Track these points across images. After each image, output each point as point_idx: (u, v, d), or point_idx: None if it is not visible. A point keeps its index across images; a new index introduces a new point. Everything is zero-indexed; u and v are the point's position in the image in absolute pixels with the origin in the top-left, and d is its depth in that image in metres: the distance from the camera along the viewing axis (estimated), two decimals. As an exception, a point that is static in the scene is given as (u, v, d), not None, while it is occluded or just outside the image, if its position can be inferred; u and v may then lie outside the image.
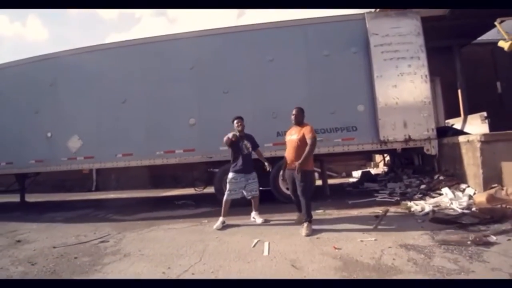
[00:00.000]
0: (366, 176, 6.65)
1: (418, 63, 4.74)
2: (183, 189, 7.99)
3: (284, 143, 3.69)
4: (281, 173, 3.55)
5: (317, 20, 5.08)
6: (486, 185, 3.87)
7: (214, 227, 3.60)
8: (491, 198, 3.54)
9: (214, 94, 5.09)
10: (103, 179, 9.61)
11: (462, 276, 2.00)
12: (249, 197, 3.78)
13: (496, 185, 3.77)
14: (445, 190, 4.18)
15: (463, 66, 7.21)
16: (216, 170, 5.09)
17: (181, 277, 2.28)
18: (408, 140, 4.73)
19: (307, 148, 3.20)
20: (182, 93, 5.16)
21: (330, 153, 4.94)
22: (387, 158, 7.33)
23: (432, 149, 4.74)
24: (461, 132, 5.35)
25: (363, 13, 5.02)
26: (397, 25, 4.83)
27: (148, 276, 2.35)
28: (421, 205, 3.84)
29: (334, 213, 4.02)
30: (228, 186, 3.72)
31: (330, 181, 6.08)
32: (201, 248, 2.91)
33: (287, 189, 3.85)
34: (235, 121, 3.76)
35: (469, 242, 2.54)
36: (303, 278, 2.14)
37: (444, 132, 5.35)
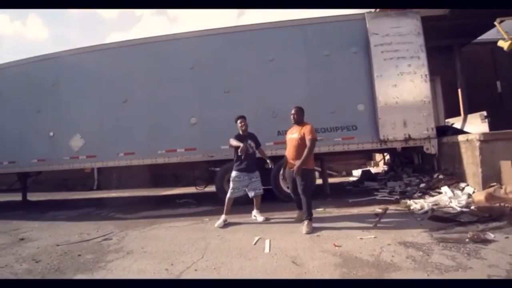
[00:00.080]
0: (366, 175, 6.68)
1: (418, 62, 4.77)
2: (184, 188, 8.05)
3: (284, 142, 3.73)
4: (281, 172, 3.58)
5: (317, 20, 5.11)
6: (485, 184, 3.90)
7: (216, 225, 3.65)
8: (490, 197, 3.57)
9: (215, 93, 5.13)
10: (104, 178, 9.65)
11: (460, 273, 2.03)
12: (253, 196, 3.81)
13: (495, 183, 3.80)
14: (445, 189, 4.21)
15: (463, 66, 7.23)
16: (217, 169, 5.13)
17: (184, 273, 2.32)
18: (408, 139, 4.76)
19: (306, 150, 3.23)
20: (183, 93, 5.19)
21: (331, 152, 4.98)
22: (387, 157, 7.36)
23: (431, 148, 4.77)
24: (461, 131, 5.37)
25: (363, 13, 5.04)
26: (397, 25, 4.85)
27: (152, 272, 2.39)
28: (421, 204, 3.88)
29: (334, 212, 4.06)
30: (231, 184, 3.76)
31: (331, 180, 6.12)
32: (203, 245, 2.95)
33: (288, 187, 3.89)
34: (239, 121, 3.79)
35: (467, 240, 2.57)
36: (304, 273, 2.18)
37: (444, 131, 5.38)
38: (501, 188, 3.67)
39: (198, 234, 3.40)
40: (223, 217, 3.72)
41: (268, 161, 3.87)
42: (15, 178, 6.78)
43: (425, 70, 4.76)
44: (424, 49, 4.77)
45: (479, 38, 7.27)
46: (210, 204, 5.17)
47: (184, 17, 39.05)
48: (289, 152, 3.47)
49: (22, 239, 3.70)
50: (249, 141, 3.79)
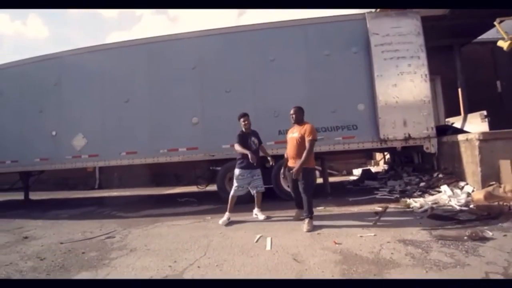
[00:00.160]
0: (366, 174, 6.72)
1: (418, 62, 4.80)
2: (185, 187, 8.09)
3: (285, 142, 3.76)
4: (282, 170, 3.62)
5: (318, 20, 5.15)
6: (484, 183, 3.93)
7: (220, 222, 3.70)
8: (488, 196, 3.60)
9: (216, 93, 5.17)
10: (106, 177, 9.70)
11: (458, 269, 2.07)
12: (254, 192, 3.86)
13: (494, 182, 3.83)
14: (444, 188, 4.24)
15: (463, 65, 7.26)
16: (218, 168, 5.17)
17: (187, 270, 2.36)
18: (408, 138, 4.80)
19: (305, 151, 3.26)
20: (184, 92, 5.23)
21: (331, 151, 5.02)
22: (387, 156, 7.39)
23: (431, 147, 4.80)
24: (460, 131, 5.40)
25: (364, 13, 5.07)
26: (397, 24, 4.88)
27: (156, 269, 2.43)
28: (420, 202, 3.91)
29: (335, 210, 4.11)
30: (235, 182, 3.80)
31: (331, 179, 6.16)
32: (205, 243, 3.00)
33: (288, 186, 3.94)
34: (242, 119, 3.82)
35: (465, 237, 2.61)
36: (305, 270, 2.22)
37: (444, 130, 5.41)
38: (500, 187, 3.70)
39: (200, 232, 3.44)
40: (227, 214, 3.77)
41: (269, 158, 3.92)
42: (17, 177, 6.83)
43: (425, 70, 4.79)
44: (424, 49, 4.80)
45: (479, 37, 7.30)
46: (211, 203, 5.22)
47: (184, 16, 39.07)
48: (289, 151, 3.51)
49: (26, 237, 3.74)
50: (253, 138, 3.84)
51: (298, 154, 3.34)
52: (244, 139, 3.76)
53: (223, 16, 33.53)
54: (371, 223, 3.28)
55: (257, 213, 3.92)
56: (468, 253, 2.33)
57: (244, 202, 4.05)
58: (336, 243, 2.72)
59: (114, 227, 3.97)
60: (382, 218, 3.45)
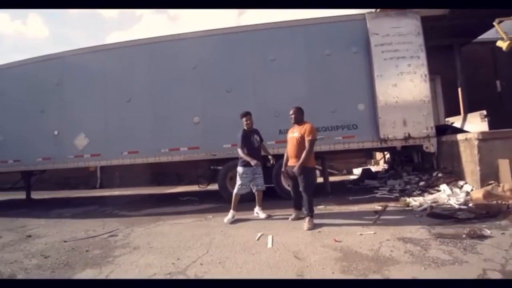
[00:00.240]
0: (366, 174, 6.75)
1: (418, 62, 4.83)
2: (186, 186, 8.13)
3: (286, 141, 3.79)
4: (283, 169, 3.66)
5: (318, 20, 5.18)
6: (483, 182, 3.96)
7: (225, 220, 3.74)
8: (487, 194, 3.64)
9: (217, 93, 5.20)
10: (107, 176, 9.74)
11: (456, 267, 2.11)
12: (255, 190, 3.91)
13: (492, 181, 3.87)
14: (443, 187, 4.28)
15: (463, 65, 7.29)
16: (219, 167, 5.20)
17: (190, 267, 2.40)
18: (407, 138, 4.83)
19: (305, 151, 3.30)
20: (186, 92, 5.27)
21: (331, 150, 5.05)
22: (387, 155, 7.43)
23: (431, 147, 4.84)
24: (460, 130, 5.44)
25: (364, 13, 5.10)
26: (397, 25, 4.91)
27: (159, 266, 2.47)
28: (420, 201, 3.95)
29: (335, 209, 4.14)
30: (239, 180, 3.83)
31: (331, 179, 6.19)
32: (208, 241, 3.04)
33: (289, 185, 3.97)
34: (244, 118, 3.85)
35: (464, 235, 2.65)
36: (306, 267, 2.26)
37: (443, 130, 5.44)
38: (499, 186, 3.74)
39: (202, 230, 3.49)
40: (231, 212, 3.81)
41: (270, 157, 3.97)
42: (18, 177, 6.86)
43: (424, 70, 4.82)
44: (423, 49, 4.83)
45: (479, 37, 7.32)
46: (212, 201, 5.26)
47: (184, 16, 39.07)
48: (290, 150, 3.55)
49: (30, 236, 3.78)
50: (255, 135, 3.89)
51: (298, 154, 3.38)
52: (247, 136, 3.81)
53: (223, 16, 33.55)
54: (371, 222, 3.32)
55: (258, 212, 3.96)
56: (466, 250, 2.37)
57: (246, 201, 4.09)
58: (336, 241, 2.76)
59: (117, 225, 4.01)
60: (381, 217, 3.50)
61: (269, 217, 3.86)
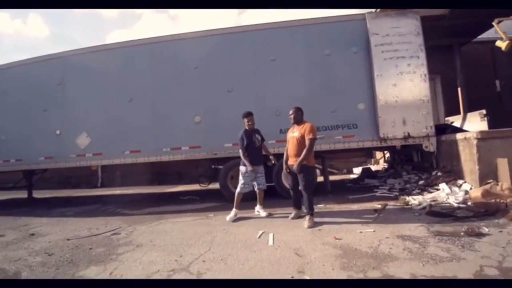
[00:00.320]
0: (366, 173, 6.79)
1: (418, 62, 4.86)
2: (187, 185, 8.18)
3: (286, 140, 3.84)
4: (284, 166, 3.69)
5: (318, 20, 5.20)
6: (482, 181, 4.00)
7: (228, 218, 3.79)
8: (486, 193, 3.68)
9: (219, 92, 5.23)
10: (108, 175, 9.78)
11: (454, 263, 2.15)
12: (256, 189, 3.95)
13: (491, 180, 3.91)
14: (443, 186, 4.32)
15: (463, 64, 7.32)
16: (220, 167, 5.24)
17: (192, 264, 2.45)
18: (407, 137, 4.86)
19: (305, 151, 3.35)
20: (187, 92, 5.30)
21: (332, 150, 5.08)
22: (387, 155, 7.46)
23: (430, 146, 4.87)
24: (459, 130, 5.47)
25: (364, 13, 5.13)
26: (397, 25, 4.93)
27: (162, 263, 2.51)
28: (419, 200, 3.99)
29: (335, 207, 4.19)
30: (242, 180, 3.87)
31: (332, 178, 6.22)
32: (209, 239, 3.08)
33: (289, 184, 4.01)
34: (246, 119, 3.89)
35: (462, 233, 2.69)
36: (306, 264, 2.30)
37: (443, 129, 5.47)
38: (497, 184, 3.78)
39: (204, 228, 3.53)
40: (234, 210, 3.86)
41: (271, 157, 4.01)
42: (20, 176, 6.90)
43: (424, 70, 4.85)
44: (423, 49, 4.86)
45: (479, 37, 7.34)
46: (213, 200, 5.30)
47: (184, 15, 39.04)
48: (290, 150, 3.59)
49: (33, 234, 3.82)
50: (256, 135, 3.93)
51: (298, 153, 3.42)
52: (248, 136, 3.85)
53: (223, 15, 33.53)
54: (370, 220, 3.36)
55: (259, 210, 4.01)
56: (464, 248, 2.41)
57: (246, 200, 4.13)
58: (336, 239, 2.80)
59: (119, 224, 4.05)
60: (381, 215, 3.54)
61: (270, 215, 3.91)
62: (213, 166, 5.49)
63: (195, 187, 6.62)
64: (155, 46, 5.51)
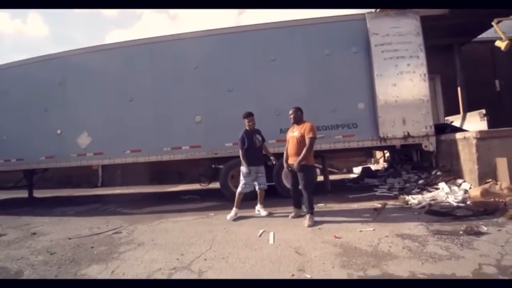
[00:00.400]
0: (366, 172, 6.81)
1: (417, 62, 4.88)
2: (188, 184, 8.20)
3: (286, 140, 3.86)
4: (285, 165, 3.72)
5: (318, 20, 5.22)
6: (481, 180, 4.02)
7: (228, 217, 3.81)
8: (485, 192, 3.70)
9: (219, 92, 5.25)
10: (109, 175, 9.80)
11: (452, 261, 2.17)
12: (257, 188, 3.97)
13: (490, 180, 3.93)
14: (442, 185, 4.34)
15: (463, 64, 7.33)
16: (221, 166, 5.26)
17: (194, 262, 2.47)
18: (407, 137, 4.89)
19: (305, 150, 3.37)
20: (187, 92, 5.32)
21: (331, 149, 5.10)
22: (387, 154, 7.48)
23: (430, 145, 4.89)
24: (459, 129, 5.48)
25: (364, 13, 5.14)
26: (397, 25, 4.95)
27: (164, 262, 2.53)
28: (418, 199, 4.01)
29: (335, 207, 4.21)
30: (243, 180, 3.88)
31: (332, 177, 6.25)
32: (210, 237, 3.10)
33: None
34: (247, 119, 3.91)
35: (461, 232, 2.71)
36: (306, 262, 2.33)
37: (443, 129, 5.49)
38: (497, 184, 3.80)
39: (205, 227, 3.55)
40: (234, 210, 3.88)
41: (271, 157, 4.03)
42: (21, 175, 6.92)
43: (424, 70, 4.87)
44: (423, 49, 4.88)
45: (479, 36, 7.35)
46: (214, 200, 5.32)
47: (184, 15, 39.03)
48: (290, 149, 3.61)
49: (34, 233, 3.84)
50: (257, 135, 3.95)
51: (298, 152, 3.45)
52: (249, 136, 3.87)
53: (223, 15, 33.52)
54: (370, 219, 3.39)
55: (260, 209, 4.03)
56: (463, 246, 2.43)
57: (247, 199, 4.15)
58: (336, 237, 2.83)
59: (120, 223, 4.07)
60: (381, 214, 3.56)
61: (270, 214, 3.93)
62: (213, 166, 5.51)
63: (196, 186, 6.64)
64: (155, 46, 5.52)
